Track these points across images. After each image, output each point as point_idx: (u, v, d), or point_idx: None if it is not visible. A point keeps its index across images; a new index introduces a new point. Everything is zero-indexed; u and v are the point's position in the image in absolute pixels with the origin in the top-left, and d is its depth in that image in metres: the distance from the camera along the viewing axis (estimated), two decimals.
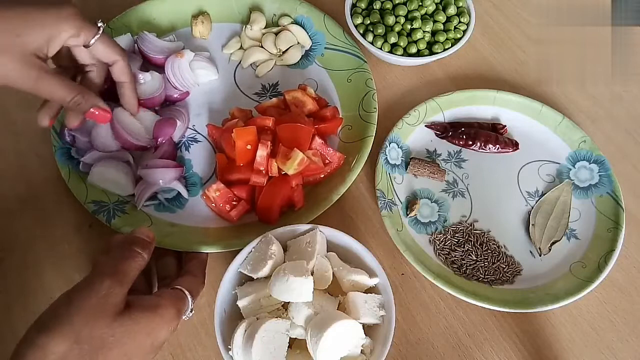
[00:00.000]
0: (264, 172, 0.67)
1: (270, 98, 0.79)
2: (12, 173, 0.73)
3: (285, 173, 0.66)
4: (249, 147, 0.66)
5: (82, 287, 0.47)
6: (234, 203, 0.68)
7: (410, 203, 0.70)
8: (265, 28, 0.84)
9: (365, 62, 0.79)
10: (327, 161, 0.70)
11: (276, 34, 0.83)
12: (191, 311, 0.55)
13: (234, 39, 0.84)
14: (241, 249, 0.60)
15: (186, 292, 0.54)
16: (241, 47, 0.83)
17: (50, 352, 0.43)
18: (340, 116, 0.76)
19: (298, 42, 0.83)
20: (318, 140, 0.69)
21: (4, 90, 0.79)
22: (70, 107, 0.61)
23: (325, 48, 0.83)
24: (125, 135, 0.69)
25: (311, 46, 0.84)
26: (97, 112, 0.63)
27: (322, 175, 0.71)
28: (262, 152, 0.66)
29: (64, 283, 0.66)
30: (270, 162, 0.66)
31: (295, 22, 0.84)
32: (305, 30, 0.83)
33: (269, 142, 0.66)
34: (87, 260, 0.68)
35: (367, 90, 0.77)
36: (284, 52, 0.82)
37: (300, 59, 0.83)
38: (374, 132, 0.73)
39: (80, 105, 0.61)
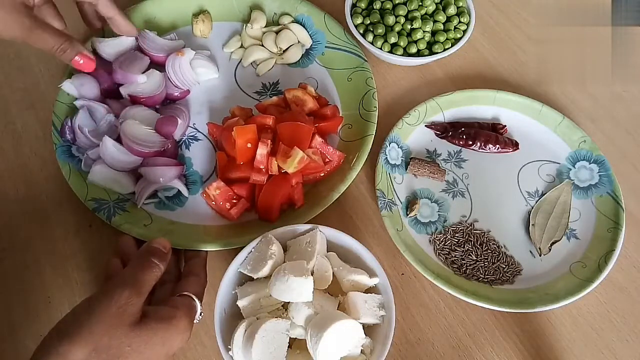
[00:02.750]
0: (264, 170, 0.67)
1: (271, 97, 0.79)
2: (12, 173, 0.73)
3: (286, 171, 0.66)
4: (249, 145, 0.66)
5: (102, 296, 0.48)
6: (234, 201, 0.68)
7: (410, 203, 0.70)
8: (265, 27, 0.84)
9: (366, 61, 0.79)
10: (327, 160, 0.70)
11: (277, 32, 0.83)
12: (201, 314, 0.56)
13: (234, 37, 0.84)
14: (241, 247, 0.60)
15: (195, 299, 0.55)
16: (242, 46, 0.83)
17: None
18: (341, 115, 0.77)
19: (298, 41, 0.83)
20: (318, 139, 0.69)
21: (4, 90, 0.79)
22: (57, 55, 0.63)
23: (326, 47, 0.83)
24: (136, 147, 0.69)
25: (312, 45, 0.84)
26: (81, 61, 0.65)
27: (322, 174, 0.71)
28: (262, 151, 0.66)
29: (63, 283, 0.66)
30: (270, 161, 0.66)
31: (296, 21, 0.84)
32: (306, 29, 0.83)
33: (269, 141, 0.66)
34: (87, 260, 0.68)
35: (367, 89, 0.77)
36: (284, 51, 0.82)
37: (301, 58, 0.83)
38: (374, 130, 0.73)
39: (66, 53, 0.63)
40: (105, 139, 0.68)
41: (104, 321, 0.46)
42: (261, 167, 0.66)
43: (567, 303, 0.62)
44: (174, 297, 0.55)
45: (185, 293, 0.56)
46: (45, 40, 0.62)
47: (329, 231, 0.61)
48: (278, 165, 0.66)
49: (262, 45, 0.82)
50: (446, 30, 0.79)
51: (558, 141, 0.75)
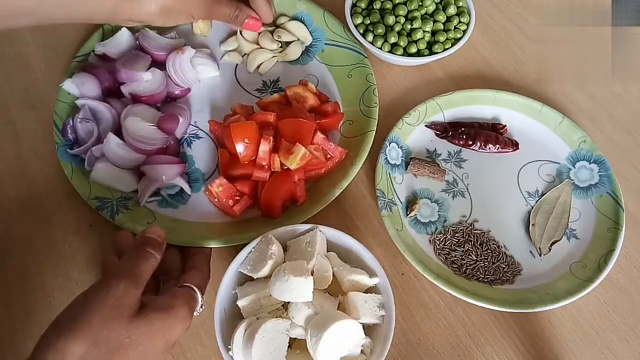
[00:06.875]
0: (266, 167, 0.67)
1: (272, 94, 0.79)
2: (13, 173, 0.73)
3: (288, 168, 0.67)
4: (246, 140, 0.66)
5: (98, 289, 0.47)
6: (237, 198, 0.68)
7: (410, 203, 0.70)
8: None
9: (366, 57, 0.80)
10: (328, 156, 0.71)
11: (271, 33, 0.83)
12: (201, 307, 0.55)
13: (232, 37, 0.84)
14: (243, 245, 0.60)
15: (196, 290, 0.55)
16: (239, 47, 0.83)
17: (69, 355, 0.43)
18: (341, 111, 0.77)
19: (298, 39, 0.83)
20: (320, 135, 0.69)
21: (4, 90, 0.79)
22: (231, 21, 0.72)
23: (326, 44, 0.83)
24: (138, 145, 0.69)
25: (311, 42, 0.84)
26: (250, 22, 0.74)
27: (322, 170, 0.71)
28: (264, 147, 0.66)
29: (63, 283, 0.66)
30: (272, 157, 0.66)
31: (295, 18, 0.84)
32: (306, 27, 0.84)
33: (271, 138, 0.66)
34: (87, 260, 0.68)
35: (367, 86, 0.77)
36: (285, 47, 0.82)
37: (301, 55, 0.83)
38: (375, 126, 0.73)
39: (238, 18, 0.72)
40: (109, 136, 0.68)
41: (102, 314, 0.45)
42: (263, 163, 0.67)
43: (567, 303, 0.62)
44: (174, 288, 0.55)
45: (186, 284, 0.55)
46: (223, 13, 0.71)
47: (329, 231, 0.61)
48: (280, 162, 0.67)
49: (262, 47, 0.82)
50: (446, 30, 0.79)
51: (558, 141, 0.75)
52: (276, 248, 0.58)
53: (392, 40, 0.78)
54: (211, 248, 0.64)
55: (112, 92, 0.76)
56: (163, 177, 0.69)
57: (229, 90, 0.80)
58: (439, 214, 0.70)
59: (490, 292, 0.64)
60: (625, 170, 0.74)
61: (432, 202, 0.71)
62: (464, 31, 0.79)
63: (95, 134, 0.71)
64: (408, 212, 0.70)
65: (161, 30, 0.81)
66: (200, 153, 0.75)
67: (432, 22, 0.78)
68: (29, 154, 0.75)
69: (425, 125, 0.76)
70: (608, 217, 0.68)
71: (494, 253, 0.67)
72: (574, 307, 0.65)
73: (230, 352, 0.54)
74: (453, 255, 0.67)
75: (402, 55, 0.78)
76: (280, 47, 0.82)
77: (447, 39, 0.78)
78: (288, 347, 0.54)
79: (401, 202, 0.71)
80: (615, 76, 0.82)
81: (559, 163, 0.74)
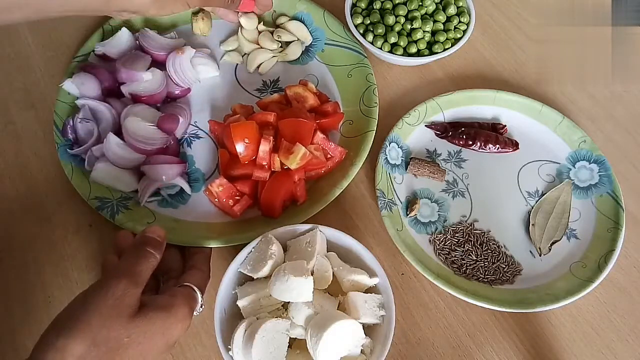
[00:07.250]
0: (266, 167, 0.67)
1: (272, 94, 0.79)
2: (13, 173, 0.73)
3: (288, 168, 0.67)
4: (246, 140, 0.66)
5: (98, 289, 0.47)
6: (237, 198, 0.68)
7: (410, 203, 0.70)
8: (263, 25, 0.83)
9: (366, 57, 0.80)
10: (328, 156, 0.71)
11: (271, 33, 0.83)
12: (201, 306, 0.55)
13: (232, 37, 0.84)
14: (243, 245, 0.60)
15: (196, 289, 0.55)
16: (239, 47, 0.83)
17: (69, 355, 0.43)
18: (341, 111, 0.77)
19: (298, 39, 0.83)
20: (320, 135, 0.69)
21: (4, 90, 0.79)
22: (226, 6, 0.72)
23: (326, 44, 0.83)
24: (138, 144, 0.69)
25: (311, 42, 0.84)
26: (243, 2, 0.73)
27: (322, 170, 0.71)
28: (264, 147, 0.66)
29: (63, 282, 0.66)
30: (272, 157, 0.66)
31: (295, 18, 0.84)
32: (306, 26, 0.84)
33: (272, 137, 0.66)
34: (87, 260, 0.68)
35: (367, 85, 0.77)
36: (285, 47, 0.82)
37: (301, 55, 0.83)
38: (375, 126, 0.73)
39: (234, 2, 0.72)
40: (109, 136, 0.68)
41: (101, 313, 0.45)
42: (263, 163, 0.67)
43: (567, 303, 0.62)
44: (174, 288, 0.55)
45: (186, 284, 0.55)
46: (219, 1, 0.71)
47: (329, 231, 0.61)
48: (280, 162, 0.67)
49: (262, 47, 0.82)
50: (446, 30, 0.79)
51: (558, 141, 0.75)
52: (276, 248, 0.58)
53: (392, 40, 0.78)
54: (211, 248, 0.64)
55: (112, 92, 0.76)
56: (163, 177, 0.69)
57: (229, 90, 0.80)
58: (439, 214, 0.70)
59: (490, 292, 0.64)
60: (625, 170, 0.74)
61: (432, 202, 0.71)
62: (464, 31, 0.80)
63: (95, 134, 0.71)
64: (408, 212, 0.70)
65: (161, 30, 0.81)
66: (200, 153, 0.75)
67: (432, 22, 0.78)
68: (29, 154, 0.75)
69: (425, 125, 0.76)
70: (608, 217, 0.68)
71: (494, 253, 0.67)
72: (574, 307, 0.65)
73: (230, 352, 0.54)
74: (453, 255, 0.67)
75: (402, 55, 0.78)
76: (280, 47, 0.82)
77: (447, 39, 0.78)
78: (288, 347, 0.54)
79: (401, 202, 0.71)
80: (615, 76, 0.82)
81: (559, 163, 0.74)
